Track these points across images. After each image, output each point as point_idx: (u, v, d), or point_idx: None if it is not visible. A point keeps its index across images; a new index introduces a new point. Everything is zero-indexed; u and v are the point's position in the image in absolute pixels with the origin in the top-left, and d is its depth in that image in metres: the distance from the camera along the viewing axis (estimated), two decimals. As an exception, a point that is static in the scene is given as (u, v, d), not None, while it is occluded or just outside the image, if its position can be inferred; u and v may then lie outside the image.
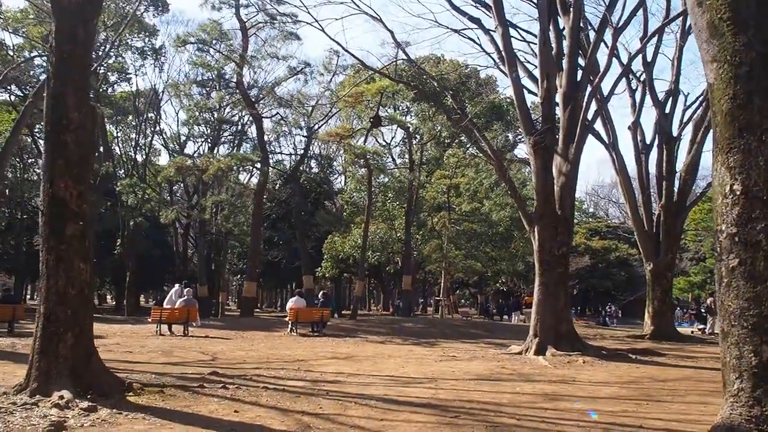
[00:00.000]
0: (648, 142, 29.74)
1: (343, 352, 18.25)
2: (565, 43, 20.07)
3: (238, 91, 32.27)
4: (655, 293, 28.15)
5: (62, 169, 9.15)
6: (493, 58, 23.42)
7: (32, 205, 52.81)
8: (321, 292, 31.30)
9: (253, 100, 32.88)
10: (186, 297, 23.94)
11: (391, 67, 24.90)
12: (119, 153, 49.24)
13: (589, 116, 20.47)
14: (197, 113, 39.33)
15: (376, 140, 46.14)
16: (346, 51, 22.20)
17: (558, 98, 19.95)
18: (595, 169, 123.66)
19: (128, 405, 8.61)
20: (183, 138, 47.67)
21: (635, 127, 29.72)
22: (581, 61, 20.91)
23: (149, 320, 24.57)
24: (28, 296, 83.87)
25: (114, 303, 61.46)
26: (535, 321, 19.03)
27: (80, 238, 9.19)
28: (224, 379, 11.48)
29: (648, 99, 29.32)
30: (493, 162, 22.03)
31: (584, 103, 19.32)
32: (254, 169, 40.43)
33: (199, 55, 32.17)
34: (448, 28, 22.96)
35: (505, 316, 43.15)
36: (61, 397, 8.15)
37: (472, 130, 21.83)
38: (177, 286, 25.88)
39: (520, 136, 52.50)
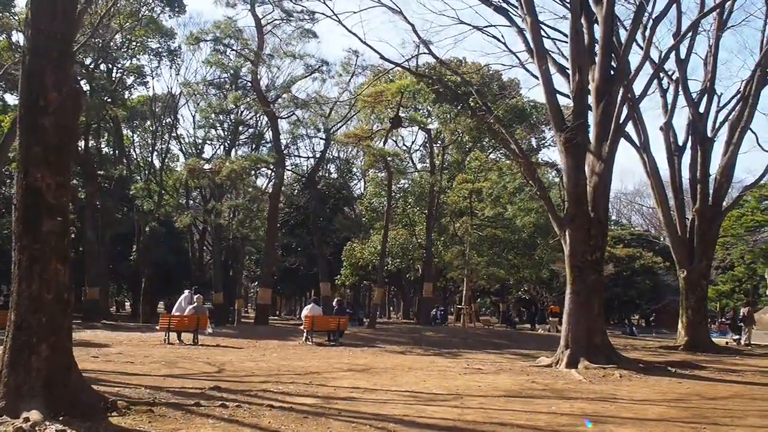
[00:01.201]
0: (681, 143, 28.41)
1: (360, 364, 17.06)
2: (598, 34, 18.81)
3: (253, 89, 31.27)
4: (689, 302, 26.76)
5: (38, 156, 8.05)
6: (517, 57, 22.23)
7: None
8: (336, 300, 30.12)
9: (269, 101, 31.83)
10: (196, 304, 22.83)
11: (412, 64, 23.73)
12: (136, 158, 48.60)
13: (621, 117, 19.16)
14: (212, 115, 38.42)
15: (396, 144, 45.04)
16: (365, 43, 21.14)
17: (590, 93, 18.69)
18: (617, 177, 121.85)
19: (108, 427, 7.49)
20: (199, 142, 46.85)
21: (667, 128, 28.39)
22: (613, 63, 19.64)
23: (157, 328, 23.50)
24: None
25: (131, 310, 60.70)
26: (567, 331, 17.76)
27: (58, 235, 8.08)
28: (225, 395, 10.33)
29: (680, 99, 28.07)
30: (520, 160, 20.81)
31: (619, 98, 18.08)
32: (271, 172, 39.42)
33: (214, 54, 31.19)
34: (470, 25, 21.75)
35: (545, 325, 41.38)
36: (27, 420, 7.03)
37: (497, 128, 20.62)
38: (186, 292, 24.79)
39: (543, 141, 51.29)
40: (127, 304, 70.93)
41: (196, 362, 15.91)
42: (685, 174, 28.43)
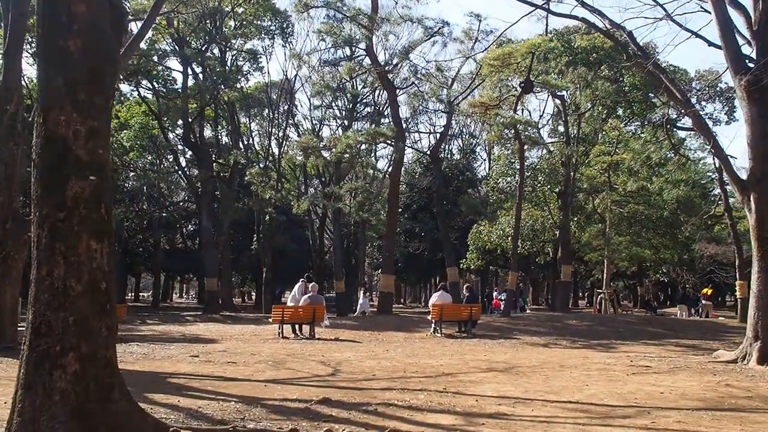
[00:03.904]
0: None
1: (501, 361, 14.29)
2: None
3: (368, 56, 28.92)
4: None
5: (61, 92, 5.76)
6: (663, 8, 18.82)
7: (170, 201, 52.13)
8: (465, 286, 27.35)
9: (386, 71, 29.48)
10: (311, 294, 20.62)
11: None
12: (253, 146, 47.65)
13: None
14: (328, 93, 36.55)
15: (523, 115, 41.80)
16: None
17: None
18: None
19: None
20: (316, 123, 45.35)
21: None
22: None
23: (270, 321, 21.47)
24: (176, 294, 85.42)
25: (255, 300, 60.44)
26: (755, 318, 14.38)
27: (91, 201, 5.75)
28: (335, 412, 7.90)
29: None
30: (685, 109, 17.52)
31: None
32: (391, 153, 37.33)
33: (326, 23, 29.07)
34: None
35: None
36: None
37: (656, 75, 17.34)
38: (300, 282, 22.65)
39: (682, 110, 46.57)
40: (253, 294, 70.98)
41: (308, 361, 13.60)
42: None
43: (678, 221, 39.29)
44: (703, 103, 39.39)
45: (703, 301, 35.61)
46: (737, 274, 30.93)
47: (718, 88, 38.66)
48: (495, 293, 37.90)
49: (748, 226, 15.99)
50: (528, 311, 34.87)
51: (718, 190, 40.01)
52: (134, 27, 23.96)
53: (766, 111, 14.71)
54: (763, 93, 14.51)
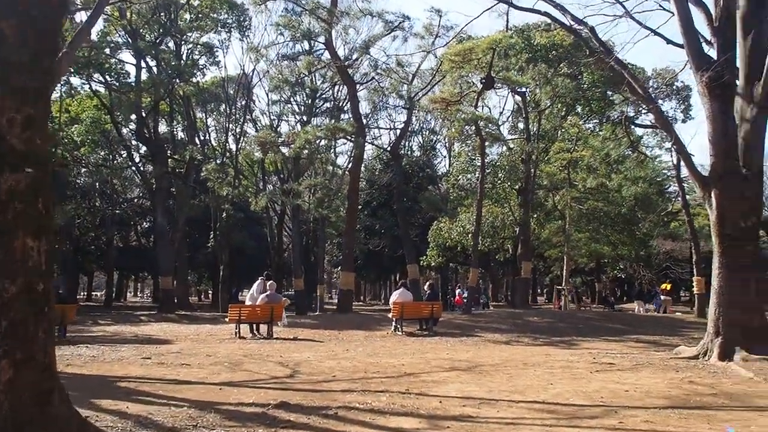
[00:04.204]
0: None
1: (463, 359, 14.04)
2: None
3: (327, 50, 28.50)
4: None
5: (-7, 76, 5.31)
6: (623, 6, 18.77)
7: (124, 197, 51.09)
8: (427, 283, 27.07)
9: (346, 65, 29.08)
10: (269, 292, 20.15)
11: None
12: (210, 142, 46.75)
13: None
14: (286, 87, 35.93)
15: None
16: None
17: (737, 22, 15.06)
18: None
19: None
20: (274, 118, 44.61)
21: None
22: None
23: (227, 320, 20.95)
24: (130, 293, 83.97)
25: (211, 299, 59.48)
26: (716, 314, 14.33)
27: (28, 195, 5.29)
28: (294, 417, 7.55)
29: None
30: (647, 104, 17.48)
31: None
32: (351, 149, 36.90)
33: (284, 17, 28.63)
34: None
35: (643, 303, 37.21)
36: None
37: (618, 70, 17.28)
38: (259, 279, 22.12)
39: (641, 109, 47.03)
40: (210, 293, 70.01)
41: (265, 362, 13.17)
42: None
43: (636, 218, 39.75)
44: (660, 101, 39.86)
45: (662, 297, 35.87)
46: (694, 269, 31.26)
47: (674, 87, 39.07)
48: (458, 290, 37.78)
49: (704, 222, 16.02)
50: (491, 308, 34.85)
51: (674, 187, 40.53)
52: (84, 16, 23.24)
53: (728, 107, 14.70)
54: (725, 89, 14.50)
